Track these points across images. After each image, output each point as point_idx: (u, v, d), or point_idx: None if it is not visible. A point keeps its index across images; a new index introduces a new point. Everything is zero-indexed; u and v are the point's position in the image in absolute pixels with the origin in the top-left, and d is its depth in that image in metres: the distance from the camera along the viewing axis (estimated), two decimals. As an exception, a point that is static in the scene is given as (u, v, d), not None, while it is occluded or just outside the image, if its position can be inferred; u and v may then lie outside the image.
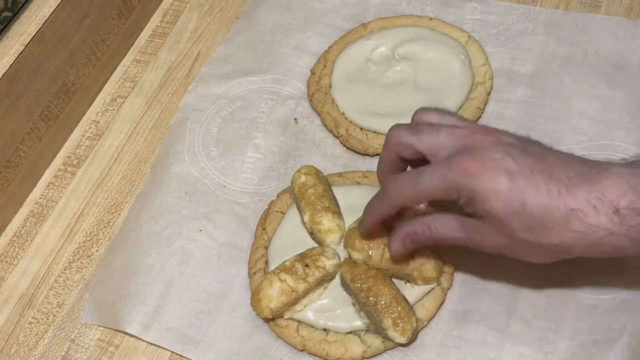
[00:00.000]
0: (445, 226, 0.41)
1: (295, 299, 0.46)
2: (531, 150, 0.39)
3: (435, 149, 0.40)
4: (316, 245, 0.49)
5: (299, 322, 0.47)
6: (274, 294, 0.46)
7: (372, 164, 0.55)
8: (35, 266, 0.55)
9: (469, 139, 0.39)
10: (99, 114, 0.63)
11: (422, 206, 0.46)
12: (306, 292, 0.46)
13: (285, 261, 0.47)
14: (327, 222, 0.48)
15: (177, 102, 0.62)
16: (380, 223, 0.44)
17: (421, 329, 0.46)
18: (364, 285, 0.45)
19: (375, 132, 0.55)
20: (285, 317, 0.47)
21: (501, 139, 0.39)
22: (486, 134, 0.39)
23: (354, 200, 0.49)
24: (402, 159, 0.42)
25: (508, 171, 0.37)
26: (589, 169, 0.38)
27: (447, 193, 0.38)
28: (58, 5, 0.56)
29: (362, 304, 0.45)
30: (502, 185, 0.37)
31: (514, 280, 0.47)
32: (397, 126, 0.42)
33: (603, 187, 0.36)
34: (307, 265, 0.46)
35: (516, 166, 0.37)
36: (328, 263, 0.47)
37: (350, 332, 0.46)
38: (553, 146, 0.54)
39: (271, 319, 0.47)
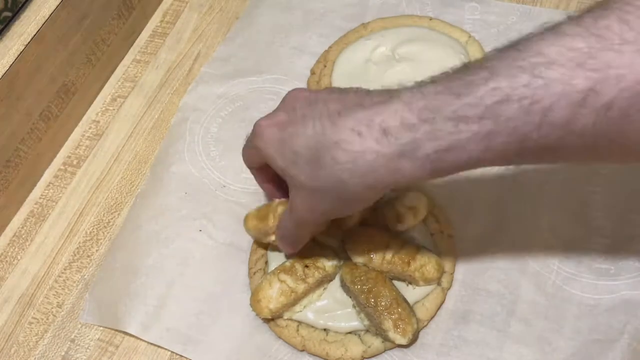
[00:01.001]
0: (283, 218, 0.44)
1: (295, 300, 0.46)
2: (324, 98, 0.37)
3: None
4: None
5: (299, 322, 0.47)
6: (273, 295, 0.46)
7: (372, 164, 0.55)
8: (35, 266, 0.55)
9: (276, 108, 0.41)
10: (99, 114, 0.63)
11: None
12: (306, 293, 0.46)
13: (285, 262, 0.47)
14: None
15: (177, 102, 0.62)
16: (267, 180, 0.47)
17: (421, 329, 0.46)
18: (364, 287, 0.45)
19: None
20: (285, 317, 0.47)
21: (295, 96, 0.40)
22: (285, 99, 0.40)
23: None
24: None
25: (278, 122, 0.38)
26: (365, 99, 0.35)
27: (259, 157, 0.41)
28: (58, 5, 0.56)
29: (362, 306, 0.45)
30: (273, 137, 0.38)
31: (514, 280, 0.48)
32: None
33: (373, 113, 0.34)
34: (306, 266, 0.46)
35: (286, 117, 0.38)
36: (328, 264, 0.47)
37: (350, 332, 0.46)
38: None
39: (271, 320, 0.47)
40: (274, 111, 0.41)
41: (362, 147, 0.34)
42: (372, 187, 0.35)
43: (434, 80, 0.34)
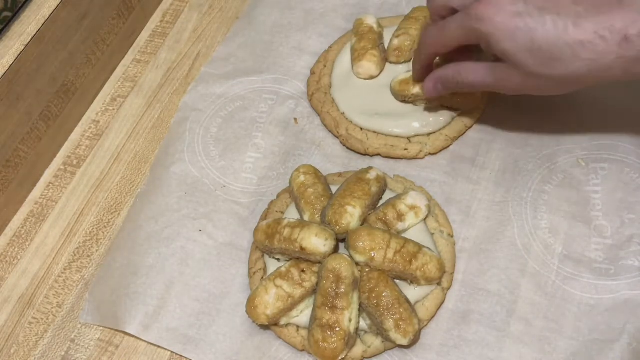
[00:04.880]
0: (474, 71, 0.46)
1: (292, 305, 0.46)
2: None
3: (463, 3, 0.45)
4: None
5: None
6: (270, 300, 0.46)
7: (372, 163, 0.55)
8: (35, 266, 0.55)
9: None
10: (99, 114, 0.63)
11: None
12: (302, 298, 0.46)
13: (281, 267, 0.47)
14: (327, 222, 0.48)
15: (177, 102, 0.62)
16: (427, 67, 0.51)
17: (421, 329, 0.46)
18: (365, 287, 0.45)
19: (375, 132, 0.55)
20: (282, 323, 0.47)
21: None
22: None
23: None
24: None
25: (516, 13, 0.41)
26: (599, 3, 0.40)
27: (467, 38, 0.44)
28: (58, 5, 0.56)
29: (363, 306, 0.45)
30: (510, 25, 0.41)
31: (514, 280, 0.48)
32: None
33: (612, 18, 0.39)
34: (303, 271, 0.46)
35: (524, 7, 0.41)
36: None
37: (350, 332, 0.46)
38: (553, 146, 0.54)
39: (267, 326, 0.47)
40: None
41: (605, 49, 0.39)
42: (601, 80, 0.42)
43: None
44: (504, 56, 0.43)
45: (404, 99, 0.54)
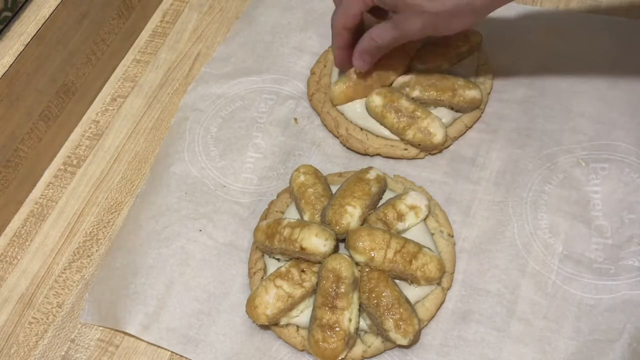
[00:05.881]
0: (382, 31, 0.49)
1: (292, 305, 0.46)
2: None
3: None
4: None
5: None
6: (270, 300, 0.46)
7: (372, 163, 0.55)
8: (35, 266, 0.55)
9: None
10: (99, 114, 0.63)
11: None
12: (302, 298, 0.46)
13: (281, 267, 0.47)
14: (327, 222, 0.48)
15: (177, 102, 0.62)
16: (346, 49, 0.53)
17: (421, 329, 0.46)
18: (365, 287, 0.45)
19: (376, 129, 0.55)
20: (282, 323, 0.47)
21: None
22: None
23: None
24: None
25: None
26: None
27: (365, 2, 0.48)
28: (58, 5, 0.56)
29: (363, 306, 0.45)
30: None
31: (514, 280, 0.48)
32: None
33: None
34: (303, 271, 0.46)
35: None
36: None
37: (350, 332, 0.46)
38: (553, 146, 0.54)
39: (267, 326, 0.47)
40: None
41: None
42: (493, 5, 0.44)
43: None
44: (399, 4, 0.45)
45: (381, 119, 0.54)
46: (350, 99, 0.55)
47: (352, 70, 0.55)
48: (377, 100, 0.53)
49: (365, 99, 0.55)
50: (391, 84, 0.55)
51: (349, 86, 0.55)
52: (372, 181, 0.49)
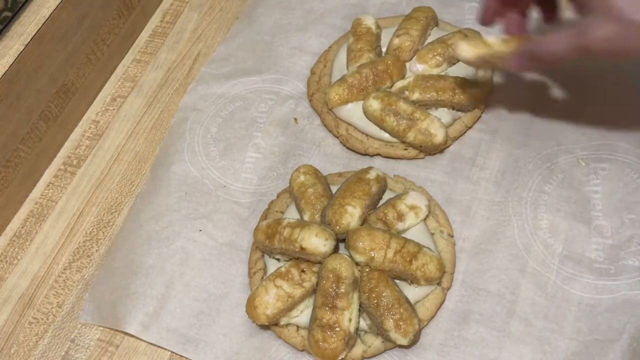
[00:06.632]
0: (561, 38, 0.41)
1: (292, 305, 0.46)
2: None
3: None
4: None
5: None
6: (270, 300, 0.45)
7: (372, 163, 0.55)
8: (35, 266, 0.55)
9: None
10: (99, 114, 0.63)
11: None
12: (302, 298, 0.46)
13: (281, 267, 0.47)
14: (327, 222, 0.48)
15: (177, 102, 0.62)
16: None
17: (421, 329, 0.46)
18: (365, 287, 0.45)
19: (375, 132, 0.55)
20: (282, 323, 0.47)
21: None
22: None
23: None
24: None
25: None
26: None
27: None
28: (58, 5, 0.56)
29: (363, 306, 0.45)
30: None
31: (514, 280, 0.48)
32: None
33: None
34: (303, 271, 0.46)
35: None
36: None
37: (350, 332, 0.46)
38: (553, 146, 0.54)
39: (267, 326, 0.47)
40: None
41: None
42: None
43: None
44: (596, 4, 0.39)
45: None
46: (345, 102, 0.55)
47: (346, 74, 0.54)
48: (374, 104, 0.53)
49: (361, 102, 0.55)
50: (388, 87, 0.55)
51: (344, 89, 0.55)
52: (372, 181, 0.49)
